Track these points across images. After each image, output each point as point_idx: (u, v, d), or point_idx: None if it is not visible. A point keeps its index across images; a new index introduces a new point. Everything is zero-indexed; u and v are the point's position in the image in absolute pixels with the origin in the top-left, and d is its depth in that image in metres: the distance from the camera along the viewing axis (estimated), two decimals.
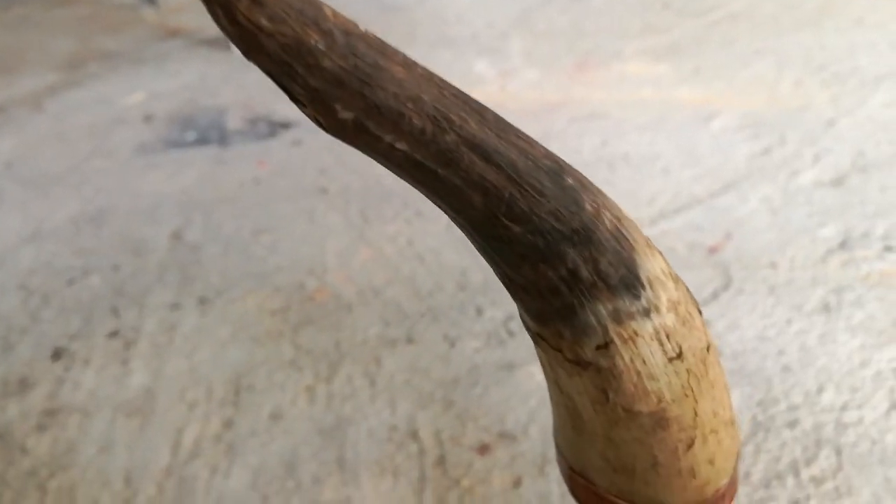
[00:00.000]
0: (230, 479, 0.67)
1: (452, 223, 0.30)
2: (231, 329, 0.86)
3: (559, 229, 0.28)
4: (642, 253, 0.30)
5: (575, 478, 0.33)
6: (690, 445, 0.30)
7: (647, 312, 0.29)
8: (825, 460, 0.63)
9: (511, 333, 0.80)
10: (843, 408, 0.67)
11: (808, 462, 0.63)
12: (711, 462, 0.31)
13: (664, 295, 0.30)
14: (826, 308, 0.79)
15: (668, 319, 0.29)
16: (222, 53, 1.72)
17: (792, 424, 0.66)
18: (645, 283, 0.29)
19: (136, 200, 1.15)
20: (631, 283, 0.29)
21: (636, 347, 0.29)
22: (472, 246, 0.31)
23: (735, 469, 0.32)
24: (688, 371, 0.29)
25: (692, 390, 0.30)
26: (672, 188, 1.04)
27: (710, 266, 0.87)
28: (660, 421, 0.29)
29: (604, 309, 0.29)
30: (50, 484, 0.69)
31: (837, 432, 0.65)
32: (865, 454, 0.63)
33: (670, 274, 0.31)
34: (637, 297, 0.29)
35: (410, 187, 0.31)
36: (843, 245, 0.88)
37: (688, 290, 0.31)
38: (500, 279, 0.32)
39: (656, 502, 0.30)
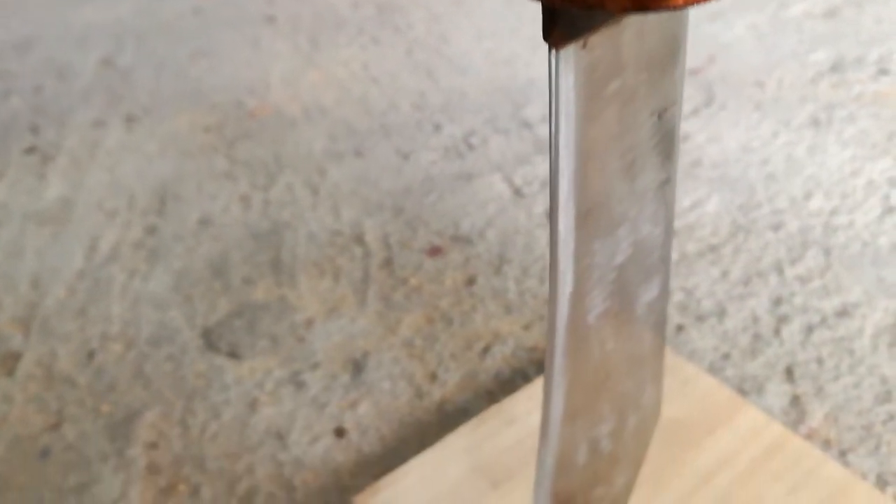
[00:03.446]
0: (150, 282, 0.60)
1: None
2: (159, 144, 0.77)
3: None
4: None
5: None
6: None
7: None
8: (812, 260, 0.57)
9: (471, 147, 0.72)
10: (833, 212, 0.61)
11: (794, 262, 0.57)
12: None
13: None
14: (815, 123, 0.72)
15: None
16: None
17: (776, 227, 0.60)
18: None
19: (65, 29, 1.04)
20: None
21: None
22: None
23: None
24: None
25: None
26: None
27: (691, 86, 0.79)
28: None
29: None
30: None
31: (826, 235, 0.59)
32: (856, 255, 0.57)
33: None
34: None
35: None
36: (835, 68, 0.81)
37: None
38: None
39: None
